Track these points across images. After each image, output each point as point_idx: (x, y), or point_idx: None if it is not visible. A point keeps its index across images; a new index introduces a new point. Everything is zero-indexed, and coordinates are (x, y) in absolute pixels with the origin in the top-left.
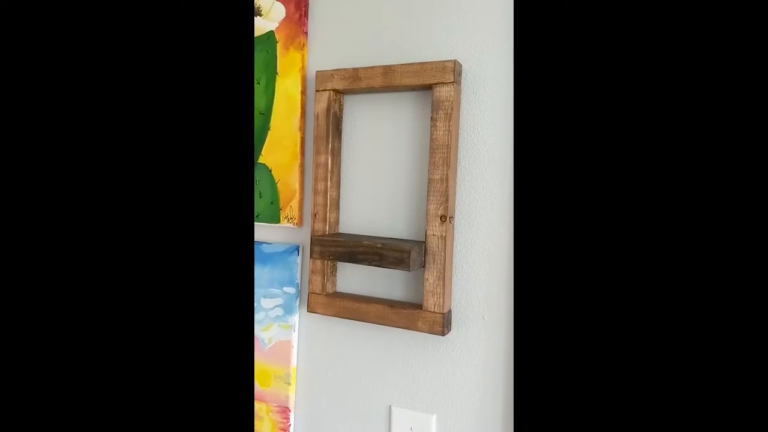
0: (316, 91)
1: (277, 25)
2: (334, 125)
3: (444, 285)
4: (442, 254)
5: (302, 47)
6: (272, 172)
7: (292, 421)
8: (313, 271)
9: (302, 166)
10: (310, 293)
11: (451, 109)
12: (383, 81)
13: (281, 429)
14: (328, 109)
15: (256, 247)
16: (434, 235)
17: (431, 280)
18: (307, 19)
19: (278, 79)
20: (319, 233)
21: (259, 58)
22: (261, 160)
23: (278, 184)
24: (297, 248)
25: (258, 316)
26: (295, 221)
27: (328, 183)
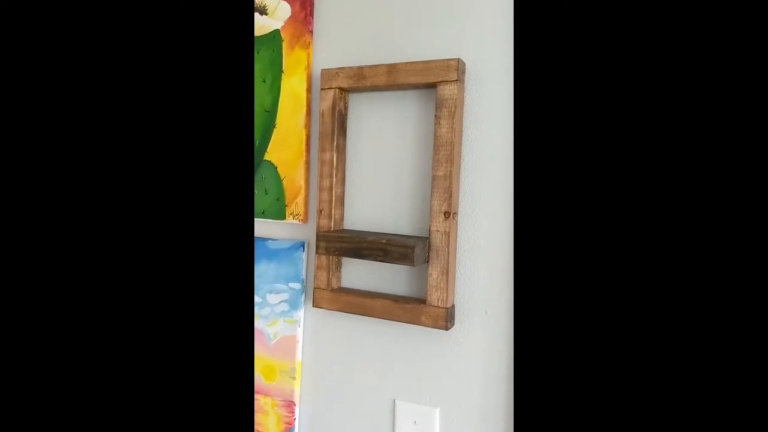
0: (322, 89)
1: (282, 24)
2: (339, 123)
3: (447, 280)
4: (446, 250)
5: (307, 46)
6: (278, 169)
7: (297, 415)
8: (318, 267)
9: (307, 163)
10: (316, 288)
11: (455, 106)
12: (388, 79)
13: (286, 423)
14: (333, 107)
15: (262, 243)
16: (438, 231)
17: (435, 276)
18: (313, 18)
19: (284, 77)
20: (325, 229)
21: (264, 56)
22: (267, 157)
23: (284, 181)
24: (302, 244)
25: (263, 312)
26: (301, 218)
27: (333, 180)
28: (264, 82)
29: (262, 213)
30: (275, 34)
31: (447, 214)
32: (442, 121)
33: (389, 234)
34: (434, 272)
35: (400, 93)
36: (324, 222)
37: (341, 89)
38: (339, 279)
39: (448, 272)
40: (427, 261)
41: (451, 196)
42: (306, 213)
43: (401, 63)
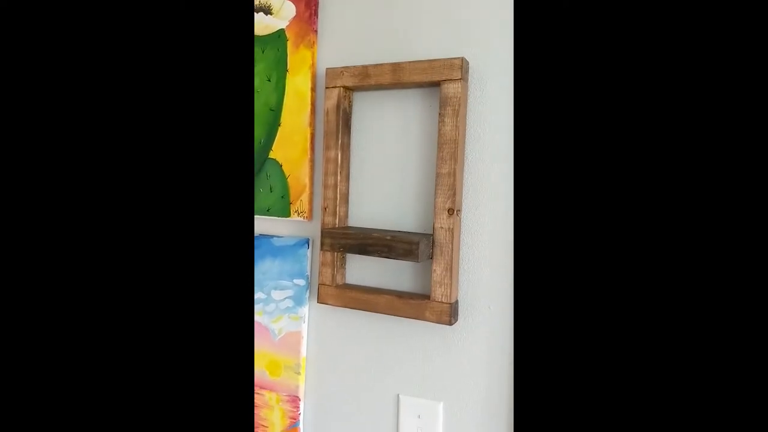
0: (326, 87)
1: (287, 23)
2: (343, 121)
3: (451, 276)
4: (450, 246)
5: (312, 45)
6: (283, 167)
7: (301, 410)
8: (323, 264)
9: (312, 161)
10: (321, 285)
11: (459, 105)
12: (392, 78)
13: (291, 418)
14: (337, 106)
15: (267, 240)
16: (442, 227)
17: (439, 272)
18: (317, 17)
19: (288, 76)
20: (329, 226)
21: (269, 55)
22: (272, 155)
23: (289, 179)
24: (307, 241)
25: (268, 308)
26: (306, 215)
27: (338, 177)
28: (269, 81)
29: (267, 210)
30: (280, 33)
31: (451, 211)
32: (446, 119)
33: (393, 231)
34: (438, 268)
35: (404, 92)
36: (329, 219)
37: (346, 88)
38: (343, 275)
39: (451, 268)
40: (431, 257)
41: (454, 194)
42: (311, 210)
43: (405, 62)
